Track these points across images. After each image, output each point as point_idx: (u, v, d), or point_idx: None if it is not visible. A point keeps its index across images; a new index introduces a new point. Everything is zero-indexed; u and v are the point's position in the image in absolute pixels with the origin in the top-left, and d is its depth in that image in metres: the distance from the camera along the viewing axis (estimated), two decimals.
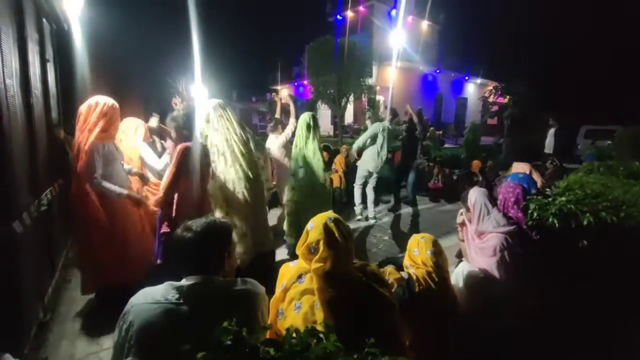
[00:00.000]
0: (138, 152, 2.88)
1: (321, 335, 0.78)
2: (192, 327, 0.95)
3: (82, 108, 2.24)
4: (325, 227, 1.19)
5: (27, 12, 2.17)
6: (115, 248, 2.31)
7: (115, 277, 2.32)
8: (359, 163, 4.71)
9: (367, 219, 4.65)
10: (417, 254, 1.81)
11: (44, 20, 2.64)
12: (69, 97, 2.85)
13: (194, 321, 0.96)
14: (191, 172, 2.12)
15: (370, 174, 4.56)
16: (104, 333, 2.20)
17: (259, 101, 18.13)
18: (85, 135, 2.19)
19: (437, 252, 1.81)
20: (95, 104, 2.24)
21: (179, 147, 2.10)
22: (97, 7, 3.40)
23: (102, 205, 2.27)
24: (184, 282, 1.04)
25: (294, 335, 0.77)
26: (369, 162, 4.50)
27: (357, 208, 4.72)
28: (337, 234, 1.17)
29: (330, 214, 1.26)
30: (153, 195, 2.89)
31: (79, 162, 2.17)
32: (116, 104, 2.31)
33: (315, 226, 1.21)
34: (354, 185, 4.78)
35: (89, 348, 2.10)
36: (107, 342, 2.14)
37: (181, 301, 0.98)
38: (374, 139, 4.46)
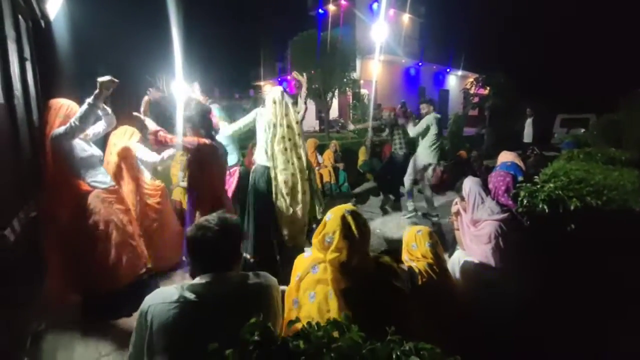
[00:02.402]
0: (132, 151, 2.88)
1: (344, 327, 0.79)
2: (212, 325, 0.95)
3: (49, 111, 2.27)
4: (343, 219, 1.21)
5: (4, 9, 2.05)
6: (99, 255, 2.26)
7: (100, 285, 2.27)
8: (415, 157, 4.52)
9: (426, 216, 4.49)
10: (416, 248, 1.84)
11: (20, 17, 2.50)
12: (48, 97, 2.74)
13: (213, 318, 0.96)
14: (205, 168, 2.23)
15: (428, 166, 4.42)
16: (101, 339, 2.15)
17: (242, 98, 17.79)
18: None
19: (435, 244, 1.85)
20: (53, 108, 2.29)
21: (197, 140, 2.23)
22: (76, 4, 3.27)
23: (85, 210, 2.23)
24: (199, 280, 1.04)
25: (313, 327, 0.79)
26: (427, 153, 4.36)
27: (410, 204, 4.49)
28: (353, 227, 1.20)
29: (348, 206, 1.28)
30: (151, 197, 2.86)
31: (49, 160, 2.18)
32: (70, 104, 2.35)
33: (333, 217, 1.23)
34: (405, 178, 4.53)
35: (87, 355, 2.05)
36: (105, 349, 2.10)
37: (199, 300, 0.98)
38: (426, 130, 4.39)
